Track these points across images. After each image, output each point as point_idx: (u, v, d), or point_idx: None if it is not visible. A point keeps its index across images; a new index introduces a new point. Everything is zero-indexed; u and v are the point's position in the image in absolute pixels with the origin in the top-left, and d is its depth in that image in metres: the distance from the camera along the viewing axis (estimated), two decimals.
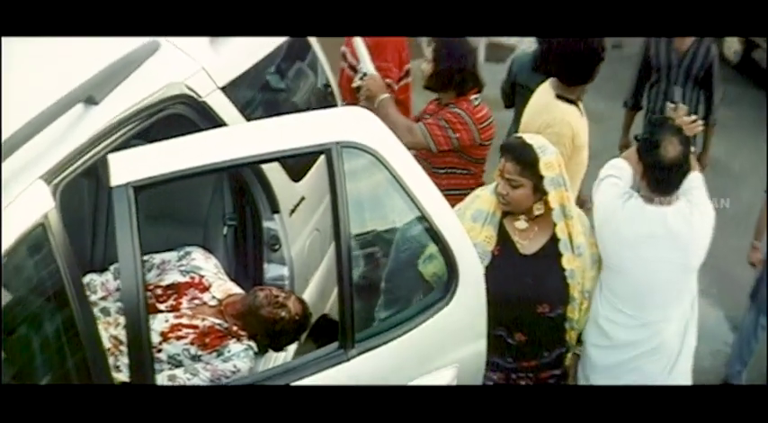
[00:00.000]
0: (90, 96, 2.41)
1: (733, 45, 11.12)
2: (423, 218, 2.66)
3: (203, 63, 2.99)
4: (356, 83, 3.93)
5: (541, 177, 3.03)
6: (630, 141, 5.65)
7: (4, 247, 1.98)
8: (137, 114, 2.58)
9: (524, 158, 3.04)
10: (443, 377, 2.78)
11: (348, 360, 2.58)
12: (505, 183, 3.07)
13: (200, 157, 2.32)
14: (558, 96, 3.85)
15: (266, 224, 3.37)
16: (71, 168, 2.28)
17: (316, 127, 2.52)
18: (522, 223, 3.17)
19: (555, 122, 3.74)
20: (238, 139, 2.44)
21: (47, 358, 2.20)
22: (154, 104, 2.66)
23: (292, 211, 3.47)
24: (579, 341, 3.39)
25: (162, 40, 2.84)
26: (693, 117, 3.41)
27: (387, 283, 2.93)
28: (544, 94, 3.92)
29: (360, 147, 2.53)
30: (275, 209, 3.33)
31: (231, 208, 3.42)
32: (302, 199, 3.57)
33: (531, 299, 3.16)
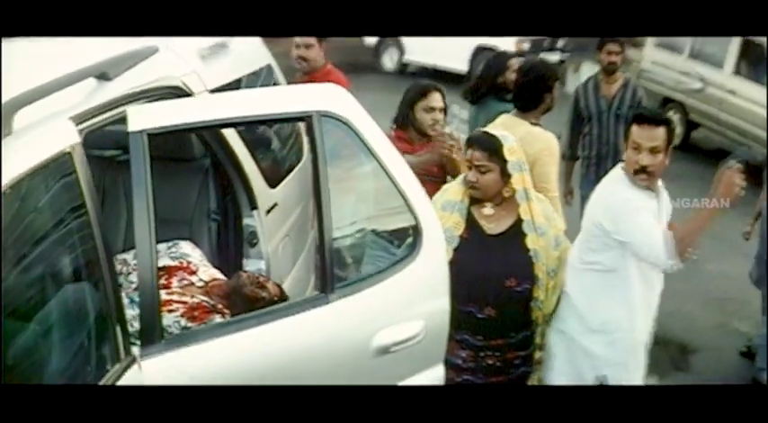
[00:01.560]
0: (104, 73, 2.92)
1: (675, 128, 11.95)
2: (390, 181, 3.18)
3: (195, 68, 3.56)
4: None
5: (506, 161, 3.61)
6: (573, 188, 6.30)
7: (33, 162, 2.39)
8: (139, 94, 3.10)
9: (490, 146, 3.63)
10: (413, 327, 3.23)
11: (329, 303, 3.04)
12: (475, 170, 3.62)
13: (203, 113, 2.85)
14: (533, 124, 4.51)
15: (246, 221, 3.87)
16: (89, 122, 2.77)
17: (301, 97, 3.09)
18: (488, 209, 3.71)
19: (548, 145, 4.36)
20: (236, 101, 3.01)
21: (65, 280, 2.58)
22: (154, 89, 3.20)
23: (268, 211, 3.97)
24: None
25: (160, 45, 3.39)
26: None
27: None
28: (518, 126, 4.52)
29: (336, 117, 3.09)
30: (254, 205, 3.84)
31: (215, 205, 3.91)
32: (275, 204, 4.07)
33: (499, 273, 3.68)
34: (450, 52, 15.15)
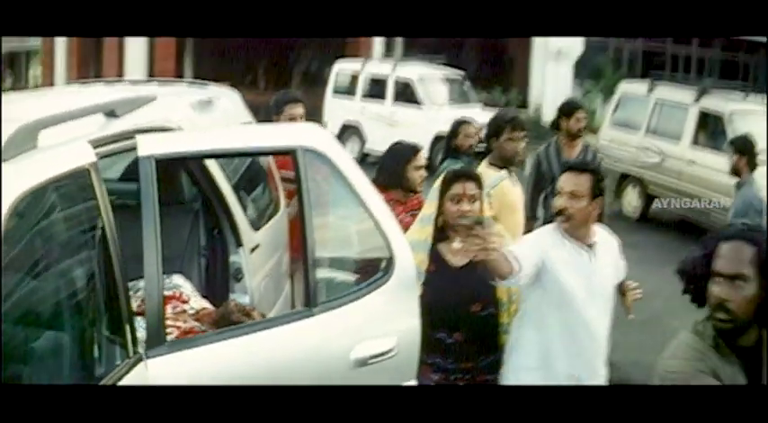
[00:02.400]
0: (113, 110, 3.39)
1: (633, 201, 12.66)
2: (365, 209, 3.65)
3: (189, 115, 4.04)
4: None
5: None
6: None
7: (56, 172, 2.80)
8: (142, 131, 3.56)
9: (479, 180, 4.12)
10: (387, 343, 3.65)
11: (313, 316, 3.47)
12: (468, 200, 4.08)
13: (204, 143, 3.34)
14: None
15: (232, 258, 4.31)
16: (102, 149, 3.21)
17: (288, 134, 3.60)
18: (457, 244, 4.14)
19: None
20: (233, 135, 3.52)
21: (83, 282, 2.99)
22: (154, 128, 3.66)
23: (252, 250, 4.41)
24: None
25: (159, 94, 3.88)
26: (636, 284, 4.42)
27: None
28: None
29: (317, 151, 3.57)
30: (240, 243, 4.28)
31: (205, 242, 4.35)
32: (258, 245, 4.51)
33: (464, 300, 4.11)
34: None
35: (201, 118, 4.21)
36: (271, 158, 5.13)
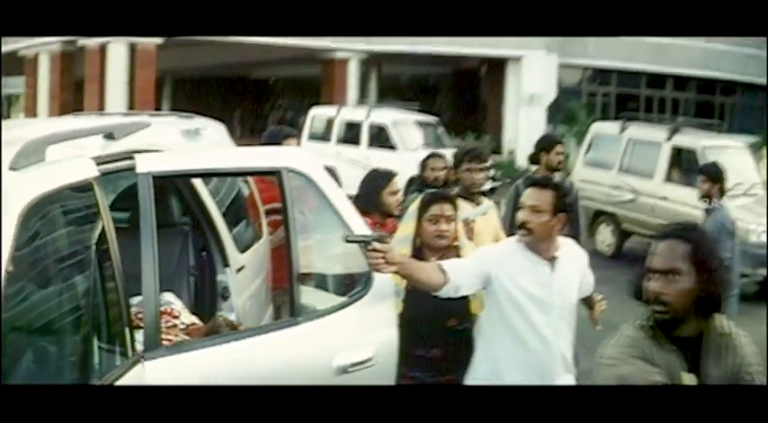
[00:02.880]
0: (111, 133, 3.70)
1: (606, 239, 13.06)
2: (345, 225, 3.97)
3: (178, 141, 4.36)
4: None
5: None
6: None
7: (62, 182, 3.09)
8: (137, 151, 3.88)
9: (455, 202, 4.46)
10: (367, 352, 3.94)
11: (298, 324, 3.76)
12: (445, 220, 4.40)
13: (197, 162, 3.66)
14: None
15: (219, 277, 4.60)
16: (101, 167, 3.51)
17: (273, 156, 3.92)
18: (433, 261, 4.45)
19: None
20: (223, 156, 3.83)
21: (87, 285, 3.26)
22: (147, 151, 3.97)
23: (238, 270, 4.71)
24: None
25: (153, 122, 4.19)
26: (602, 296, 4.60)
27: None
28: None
29: (300, 172, 3.89)
30: (226, 263, 4.58)
31: (194, 262, 4.65)
32: (243, 266, 4.81)
33: (441, 315, 4.39)
34: None
35: (190, 145, 4.53)
36: (255, 189, 5.45)
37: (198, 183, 4.47)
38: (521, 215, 4.11)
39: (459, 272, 4.02)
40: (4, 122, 3.88)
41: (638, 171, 12.74)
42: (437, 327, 4.42)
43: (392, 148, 18.16)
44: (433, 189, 6.28)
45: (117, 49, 23.76)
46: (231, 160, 3.85)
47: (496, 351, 4.16)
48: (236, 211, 5.19)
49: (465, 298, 4.34)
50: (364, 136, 18.83)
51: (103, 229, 3.28)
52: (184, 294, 4.60)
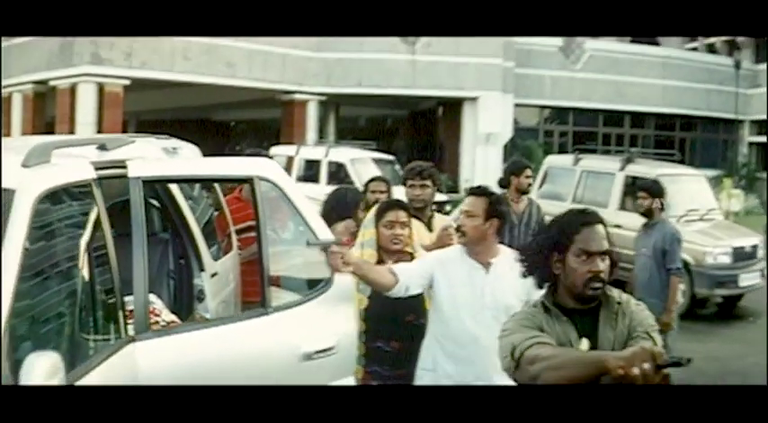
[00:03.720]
0: (104, 145, 4.27)
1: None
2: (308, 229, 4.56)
3: (160, 157, 4.94)
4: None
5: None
6: None
7: (65, 180, 3.62)
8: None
9: (408, 210, 5.08)
10: (329, 341, 4.51)
11: (267, 314, 4.33)
12: (400, 225, 4.99)
13: (181, 169, 4.25)
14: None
15: (195, 281, 5.16)
16: (99, 172, 4.06)
17: (247, 165, 4.53)
18: (390, 264, 5.02)
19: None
20: (203, 164, 4.44)
21: (86, 270, 3.79)
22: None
23: (212, 276, 5.27)
24: None
25: (137, 140, 4.76)
26: None
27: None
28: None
29: (270, 180, 4.48)
30: (202, 268, 5.15)
31: (173, 267, 5.21)
32: (216, 273, 5.37)
33: (400, 311, 4.96)
34: None
35: (173, 158, 5.11)
36: (226, 208, 6.04)
37: (178, 195, 5.06)
38: (458, 220, 4.71)
39: (407, 273, 4.62)
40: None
41: (592, 201, 13.24)
42: (398, 321, 4.99)
43: (351, 184, 18.76)
44: None
45: (86, 90, 24.47)
46: (210, 168, 4.47)
47: (435, 344, 4.71)
48: (210, 225, 5.77)
49: (421, 295, 4.91)
50: (323, 173, 19.48)
51: (100, 223, 3.83)
52: (165, 296, 5.12)
